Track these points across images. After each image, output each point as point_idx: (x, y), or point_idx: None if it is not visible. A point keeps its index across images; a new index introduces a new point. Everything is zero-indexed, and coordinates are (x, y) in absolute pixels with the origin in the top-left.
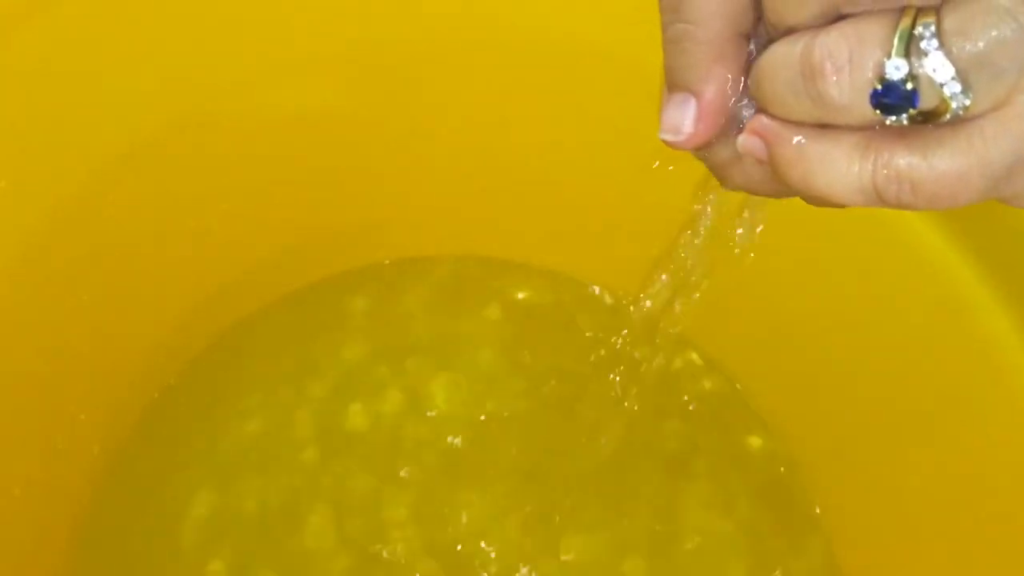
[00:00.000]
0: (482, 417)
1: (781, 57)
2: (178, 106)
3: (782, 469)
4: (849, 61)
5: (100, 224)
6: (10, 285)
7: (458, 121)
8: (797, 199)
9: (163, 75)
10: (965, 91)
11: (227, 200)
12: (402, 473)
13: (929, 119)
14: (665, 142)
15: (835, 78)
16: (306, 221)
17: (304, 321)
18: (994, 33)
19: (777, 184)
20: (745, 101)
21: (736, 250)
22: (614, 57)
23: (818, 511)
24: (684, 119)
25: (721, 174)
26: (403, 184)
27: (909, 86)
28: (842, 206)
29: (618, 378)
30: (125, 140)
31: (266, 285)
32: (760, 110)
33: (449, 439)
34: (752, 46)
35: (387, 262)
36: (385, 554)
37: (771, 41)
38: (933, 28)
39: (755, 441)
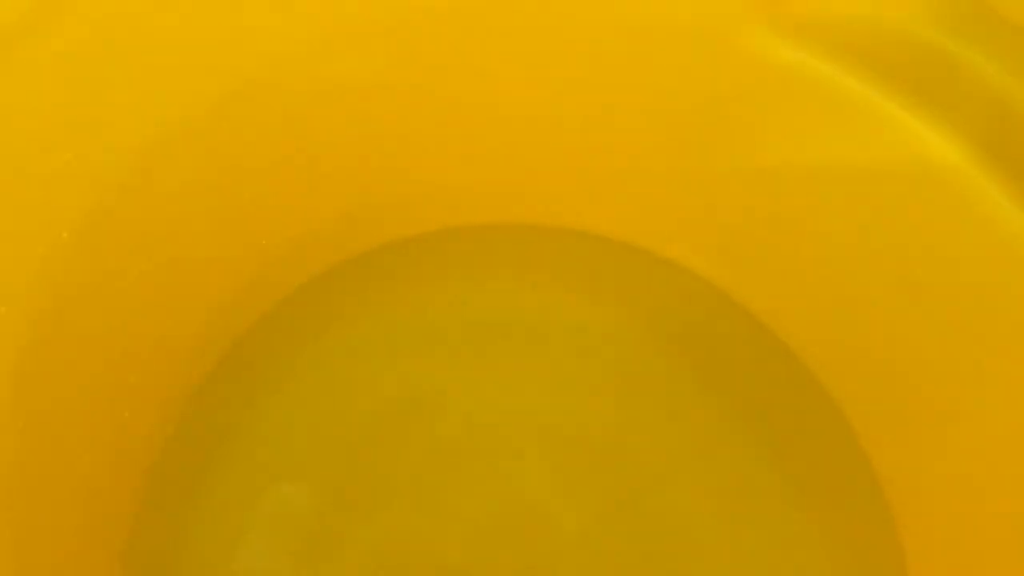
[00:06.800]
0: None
1: None
2: (237, 75)
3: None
4: None
5: (161, 192)
6: (75, 252)
7: (511, 84)
8: None
9: (220, 44)
10: None
11: (280, 169)
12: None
13: None
14: None
15: None
16: (360, 188)
17: (359, 291)
18: None
19: None
20: None
21: None
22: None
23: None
24: None
25: None
26: (455, 150)
27: None
28: None
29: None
30: (185, 109)
31: (317, 255)
32: None
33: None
34: None
35: (444, 229)
36: None
37: None
38: None
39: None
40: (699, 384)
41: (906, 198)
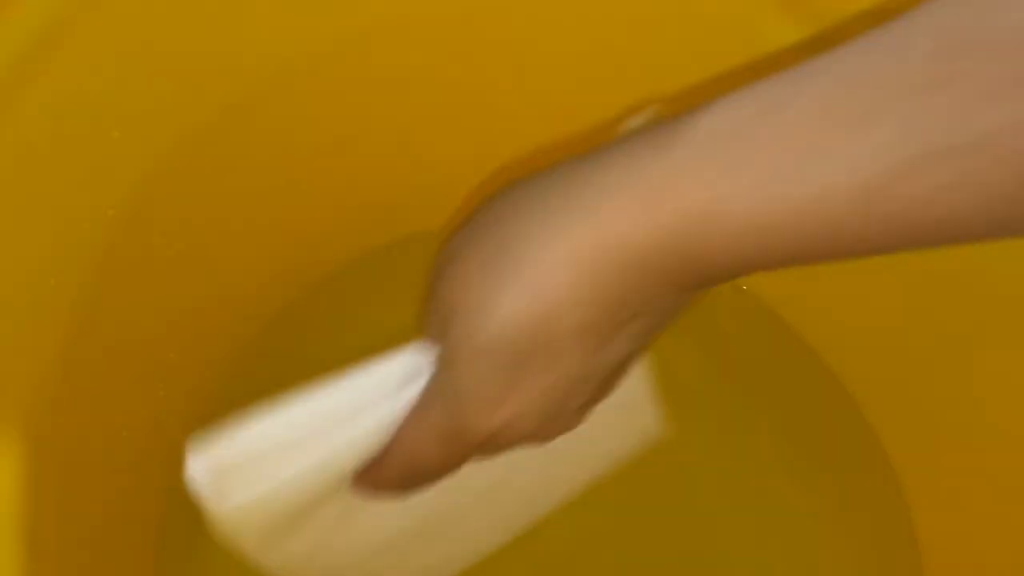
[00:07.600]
0: None
1: None
2: (276, 65)
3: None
4: None
5: (202, 173)
6: (120, 229)
7: (522, 82)
8: None
9: (264, 33)
10: None
11: (305, 158)
12: None
13: None
14: None
15: None
16: (390, 178)
17: (379, 281)
18: None
19: None
20: None
21: None
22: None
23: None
24: None
25: None
26: (473, 146)
27: None
28: None
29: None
30: (230, 93)
31: (341, 245)
32: None
33: None
34: None
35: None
36: None
37: None
38: None
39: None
40: (723, 380)
41: None
